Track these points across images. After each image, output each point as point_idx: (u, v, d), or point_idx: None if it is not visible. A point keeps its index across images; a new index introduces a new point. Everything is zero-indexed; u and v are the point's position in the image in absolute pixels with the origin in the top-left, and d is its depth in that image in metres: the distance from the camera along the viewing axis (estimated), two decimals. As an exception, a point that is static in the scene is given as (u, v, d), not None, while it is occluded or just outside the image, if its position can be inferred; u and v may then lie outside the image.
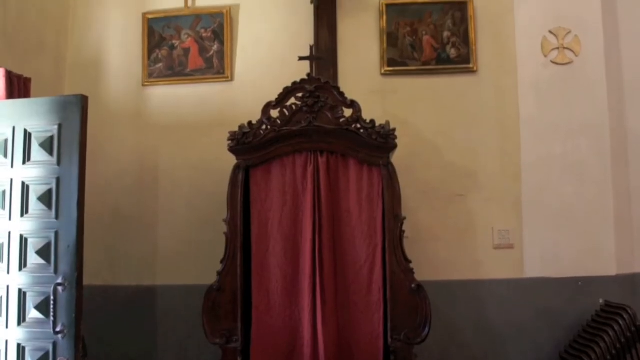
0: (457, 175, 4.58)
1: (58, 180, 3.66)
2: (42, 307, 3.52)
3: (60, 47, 4.93)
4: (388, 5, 4.71)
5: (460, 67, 4.66)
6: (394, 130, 3.75)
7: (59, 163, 3.68)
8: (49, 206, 3.65)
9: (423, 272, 3.86)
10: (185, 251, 4.67)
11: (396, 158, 3.89)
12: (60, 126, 3.69)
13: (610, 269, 4.44)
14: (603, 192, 4.48)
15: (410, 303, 3.67)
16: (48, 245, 3.59)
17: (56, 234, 3.59)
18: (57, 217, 3.62)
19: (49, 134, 3.70)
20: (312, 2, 4.64)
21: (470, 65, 4.64)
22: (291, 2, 4.79)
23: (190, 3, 4.90)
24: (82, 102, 3.69)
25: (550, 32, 4.63)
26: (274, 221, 3.79)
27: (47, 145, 3.70)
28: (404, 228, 3.73)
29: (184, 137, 4.79)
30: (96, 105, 4.31)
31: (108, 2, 5.04)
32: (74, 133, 3.66)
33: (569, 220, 4.47)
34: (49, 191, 3.66)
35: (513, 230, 4.54)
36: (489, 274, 4.52)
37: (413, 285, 3.67)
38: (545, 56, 4.62)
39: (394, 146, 3.75)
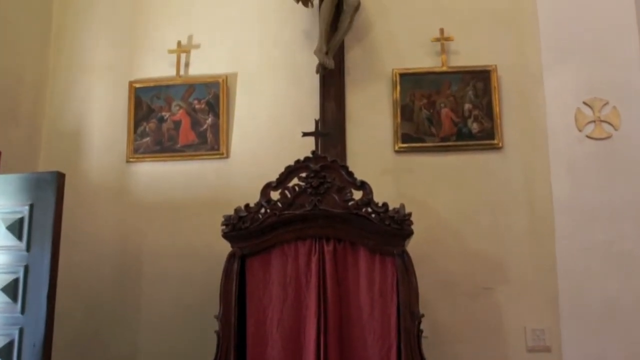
0: (482, 266, 4.52)
1: (26, 268, 3.65)
2: (-2, 420, 3.43)
3: (36, 117, 5.00)
4: (402, 75, 4.78)
5: (483, 143, 4.67)
6: (410, 214, 3.73)
7: (28, 249, 3.68)
8: (14, 299, 3.61)
9: (445, 380, 3.76)
10: (171, 351, 4.56)
11: (412, 246, 3.85)
12: (31, 207, 3.71)
13: (665, 377, 4.31)
14: (653, 286, 4.40)
15: (431, 416, 3.56)
16: (10, 344, 3.54)
17: (20, 331, 3.55)
18: (22, 311, 3.58)
19: (18, 216, 3.72)
20: (317, 72, 4.72)
21: (495, 141, 4.66)
22: (294, 72, 4.89)
23: (182, 71, 5.00)
24: (58, 180, 3.72)
25: (585, 103, 4.65)
26: (273, 319, 3.72)
27: (16, 228, 3.71)
28: (422, 327, 3.65)
29: (173, 220, 4.78)
30: (73, 183, 4.36)
31: (91, 69, 5.14)
32: (47, 215, 3.68)
33: (614, 319, 4.35)
34: (15, 281, 3.64)
35: (549, 329, 4.43)
36: (522, 382, 4.40)
37: (434, 395, 3.56)
38: (580, 130, 4.64)
39: (410, 233, 3.72)
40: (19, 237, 3.69)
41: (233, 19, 5.06)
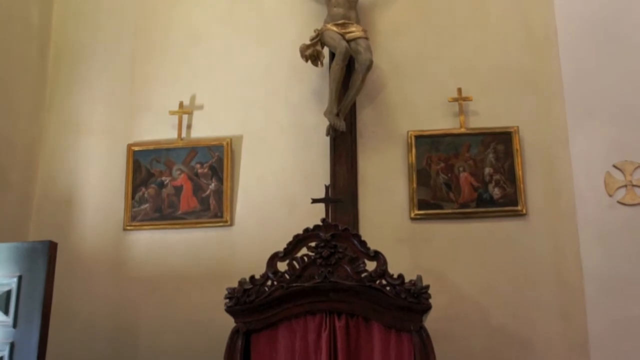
0: (507, 344, 4.46)
1: (12, 346, 3.62)
2: None
3: (27, 182, 5.03)
4: (417, 137, 4.82)
5: (506, 210, 4.67)
6: (428, 287, 3.70)
7: (15, 325, 3.65)
8: (-2, 380, 3.57)
9: None
10: None
11: (431, 321, 3.82)
12: (20, 279, 3.70)
13: None
14: (697, 366, 4.33)
15: None
16: None
17: (4, 416, 3.49)
18: (7, 394, 3.53)
19: (6, 289, 3.70)
20: (327, 134, 4.78)
21: (518, 208, 4.66)
22: (303, 134, 4.95)
23: (184, 134, 5.05)
24: (50, 250, 3.71)
25: (615, 166, 4.66)
26: (280, 401, 3.68)
27: (2, 301, 3.69)
28: (442, 411, 3.60)
29: (171, 293, 4.76)
30: (66, 253, 4.37)
31: (86, 131, 5.21)
32: (37, 288, 3.66)
33: (652, 402, 4.29)
34: (-1, 360, 3.60)
35: (582, 415, 4.36)
36: None
37: None
38: (610, 196, 4.63)
39: (428, 307, 3.69)
40: (6, 312, 3.67)
41: (238, 78, 5.15)
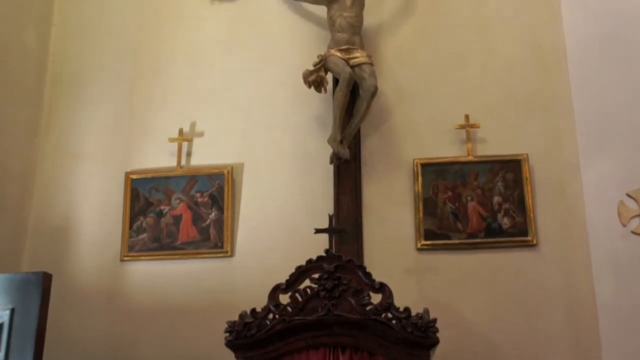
0: (518, 380, 4.42)
1: (4, 381, 3.57)
2: None
3: (21, 211, 5.03)
4: (424, 166, 4.81)
5: (515, 240, 4.64)
6: (435, 320, 3.68)
7: (7, 359, 3.60)
8: (-13, 420, 3.53)
9: None
10: None
11: (438, 355, 3.80)
12: (12, 311, 3.68)
13: None
14: None
15: None
16: None
17: None
18: None
19: (-3, 322, 3.67)
20: (331, 162, 4.78)
21: (528, 238, 4.63)
22: (306, 162, 4.95)
23: (183, 161, 5.05)
24: (44, 282, 3.70)
25: (629, 195, 4.64)
26: None
27: (-6, 336, 3.65)
28: None
29: (170, 326, 4.73)
30: (61, 285, 4.36)
31: (83, 158, 5.22)
32: (30, 320, 3.63)
33: None
34: (-11, 398, 3.56)
35: None
36: None
37: None
38: (624, 225, 4.60)
39: (435, 341, 3.66)
40: (-3, 346, 3.65)
41: (239, 105, 5.16)
